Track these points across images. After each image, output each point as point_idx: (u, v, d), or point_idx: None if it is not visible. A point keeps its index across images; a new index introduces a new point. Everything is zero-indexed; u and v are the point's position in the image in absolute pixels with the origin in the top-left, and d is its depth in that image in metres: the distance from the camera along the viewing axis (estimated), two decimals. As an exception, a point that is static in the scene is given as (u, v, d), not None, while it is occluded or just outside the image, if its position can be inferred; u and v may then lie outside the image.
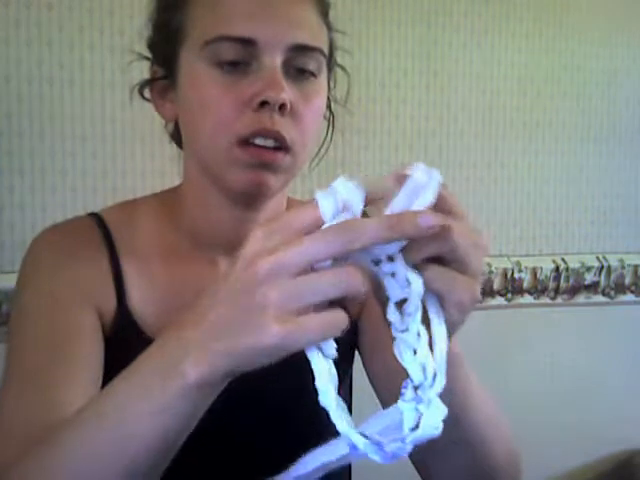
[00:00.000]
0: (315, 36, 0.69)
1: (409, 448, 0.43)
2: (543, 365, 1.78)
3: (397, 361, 0.81)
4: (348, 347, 0.81)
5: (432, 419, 0.43)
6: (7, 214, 1.35)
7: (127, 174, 1.41)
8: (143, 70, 0.78)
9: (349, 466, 0.82)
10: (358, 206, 0.44)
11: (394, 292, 0.45)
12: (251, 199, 0.71)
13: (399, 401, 0.44)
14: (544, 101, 1.74)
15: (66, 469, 0.49)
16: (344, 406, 0.43)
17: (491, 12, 1.67)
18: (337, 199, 0.43)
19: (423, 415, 0.43)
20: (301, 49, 0.67)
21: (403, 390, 0.45)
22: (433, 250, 0.44)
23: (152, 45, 0.75)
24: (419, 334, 0.45)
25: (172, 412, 0.45)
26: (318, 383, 0.43)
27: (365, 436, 0.42)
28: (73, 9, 1.36)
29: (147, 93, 0.77)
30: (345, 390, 0.83)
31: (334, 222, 0.43)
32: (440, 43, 1.64)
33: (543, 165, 1.76)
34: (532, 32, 1.71)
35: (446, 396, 0.44)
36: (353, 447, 0.42)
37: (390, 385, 0.75)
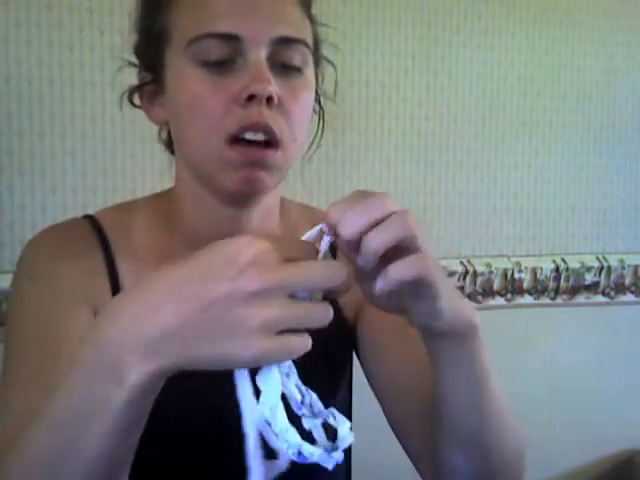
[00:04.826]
0: (298, 29, 0.69)
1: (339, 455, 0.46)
2: (543, 365, 1.78)
3: (397, 364, 0.80)
4: (347, 347, 0.81)
5: (342, 430, 0.47)
6: (7, 214, 1.35)
7: (127, 174, 1.41)
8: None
9: (349, 467, 0.82)
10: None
11: None
12: (244, 198, 0.71)
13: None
14: (544, 101, 1.74)
15: (30, 465, 0.50)
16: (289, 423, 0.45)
17: (491, 12, 1.67)
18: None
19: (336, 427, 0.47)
20: (285, 42, 0.67)
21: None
22: (396, 235, 0.47)
23: (138, 51, 0.75)
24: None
25: (116, 415, 0.45)
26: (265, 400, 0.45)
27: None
28: (73, 9, 1.36)
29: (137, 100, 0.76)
30: (344, 389, 0.83)
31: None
32: (440, 43, 1.64)
33: (543, 165, 1.76)
34: (532, 32, 1.71)
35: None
36: (303, 457, 0.45)
37: (389, 387, 0.75)
